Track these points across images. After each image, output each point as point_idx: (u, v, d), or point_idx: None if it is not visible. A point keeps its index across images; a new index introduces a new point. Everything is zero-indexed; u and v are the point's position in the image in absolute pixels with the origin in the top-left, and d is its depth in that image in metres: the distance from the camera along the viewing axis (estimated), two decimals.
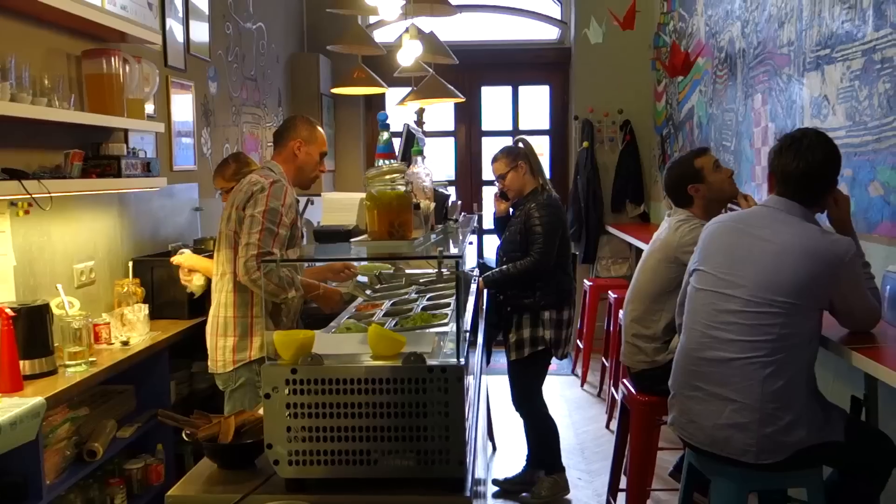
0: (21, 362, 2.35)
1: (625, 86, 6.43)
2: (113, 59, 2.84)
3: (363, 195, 2.09)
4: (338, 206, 2.07)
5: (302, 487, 1.58)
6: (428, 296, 2.43)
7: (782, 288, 2.12)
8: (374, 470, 1.56)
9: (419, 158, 2.06)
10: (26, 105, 2.38)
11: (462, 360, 1.56)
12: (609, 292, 4.96)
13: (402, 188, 1.77)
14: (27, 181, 2.32)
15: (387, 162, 1.84)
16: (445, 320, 2.00)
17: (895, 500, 2.38)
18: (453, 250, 1.95)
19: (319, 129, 2.87)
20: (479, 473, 2.56)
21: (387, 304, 2.38)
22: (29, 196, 2.35)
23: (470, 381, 1.88)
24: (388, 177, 1.77)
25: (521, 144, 3.71)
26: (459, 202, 2.56)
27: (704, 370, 2.24)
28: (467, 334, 1.75)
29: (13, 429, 2.04)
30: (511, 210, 3.75)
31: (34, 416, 2.14)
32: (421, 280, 2.80)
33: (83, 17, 2.68)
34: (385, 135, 1.94)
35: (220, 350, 2.79)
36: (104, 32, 2.93)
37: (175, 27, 3.89)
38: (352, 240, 1.83)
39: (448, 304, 2.24)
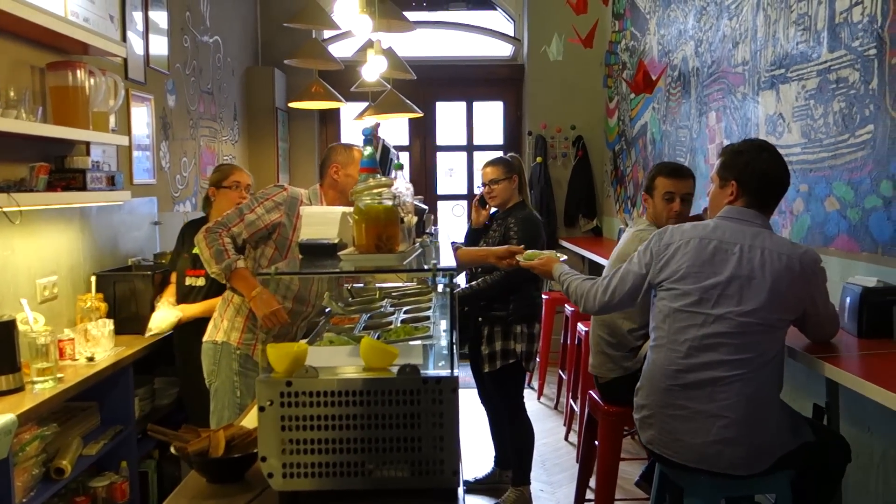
0: None
1: (577, 102, 6.57)
2: (78, 71, 2.79)
3: (344, 209, 2.10)
4: (318, 219, 2.08)
5: (296, 501, 1.58)
6: (405, 308, 2.45)
7: (764, 305, 2.16)
8: (368, 481, 1.57)
9: (399, 173, 2.09)
10: None
11: (456, 372, 1.59)
12: (566, 305, 5.04)
13: (390, 202, 1.80)
14: None
15: (374, 177, 1.86)
16: (428, 332, 2.03)
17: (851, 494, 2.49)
18: (439, 262, 1.98)
19: (355, 150, 2.96)
20: None
21: (364, 318, 2.39)
22: None
23: None
24: (375, 191, 1.80)
25: (515, 161, 3.78)
26: (433, 215, 2.58)
27: (688, 391, 2.21)
28: (455, 346, 1.77)
29: None
30: (487, 222, 3.81)
31: (6, 433, 2.08)
32: (393, 293, 2.82)
33: (47, 28, 2.63)
34: (368, 149, 1.96)
35: (215, 321, 2.94)
36: (67, 44, 2.89)
37: (135, 40, 3.83)
38: (340, 253, 1.83)
39: (427, 318, 2.27)
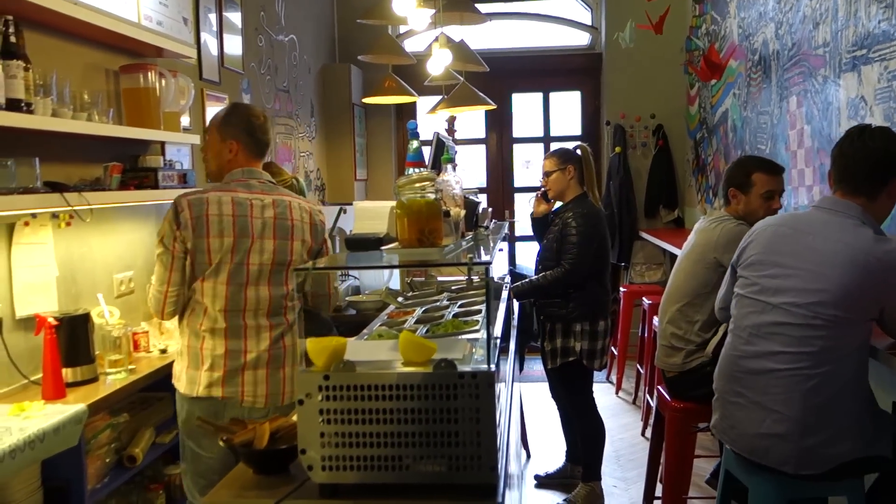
0: (63, 370, 2.42)
1: (657, 90, 6.39)
2: (149, 73, 2.90)
3: (394, 203, 2.11)
4: (369, 214, 2.10)
5: (335, 493, 1.59)
6: (459, 303, 2.44)
7: (828, 300, 2.05)
8: (406, 476, 1.57)
9: (449, 166, 2.08)
10: (67, 120, 2.45)
11: (493, 367, 1.57)
12: (643, 298, 4.93)
13: (432, 196, 1.79)
14: (68, 193, 2.38)
15: (417, 170, 1.85)
16: (476, 327, 2.01)
17: None
18: (485, 257, 1.96)
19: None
20: (513, 481, 2.56)
21: (418, 312, 2.39)
22: (70, 208, 2.42)
23: (501, 387, 1.89)
24: (417, 185, 1.79)
25: (578, 151, 3.68)
26: (490, 209, 2.56)
27: (747, 378, 2.19)
28: (497, 341, 1.75)
29: (56, 434, 2.10)
30: (550, 216, 3.74)
31: (76, 422, 2.19)
32: (452, 287, 2.82)
33: (121, 34, 2.75)
34: (415, 143, 1.96)
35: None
36: (141, 48, 3.00)
37: (209, 41, 3.96)
38: (382, 247, 1.84)
39: (479, 311, 2.25)
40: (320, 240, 2.59)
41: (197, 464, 2.45)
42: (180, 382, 2.44)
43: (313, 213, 2.59)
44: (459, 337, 1.91)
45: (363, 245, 1.88)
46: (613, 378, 5.77)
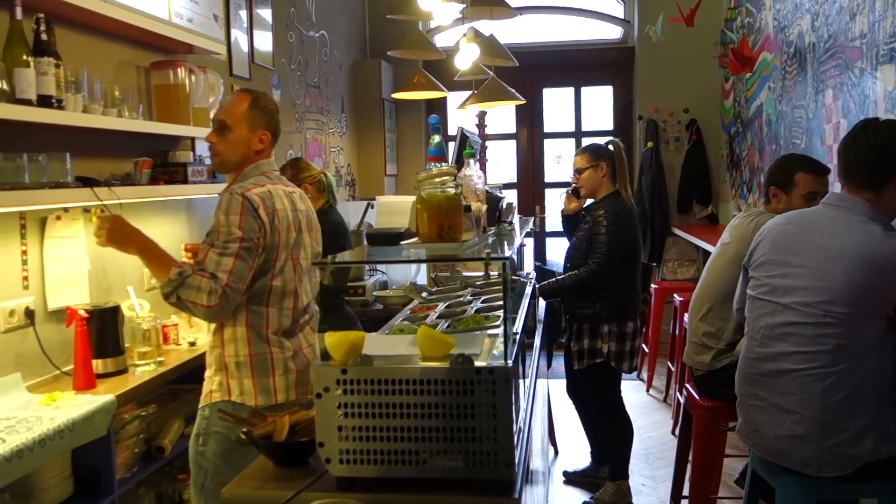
0: (94, 361, 2.47)
1: (691, 84, 6.31)
2: (179, 70, 2.94)
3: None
4: (392, 209, 2.10)
5: (352, 486, 1.60)
6: (482, 298, 2.44)
7: (837, 298, 2.02)
8: (422, 470, 1.57)
9: (471, 161, 2.07)
10: (97, 115, 2.50)
11: (510, 362, 1.57)
12: (675, 295, 4.88)
13: (452, 191, 1.79)
14: (98, 188, 2.43)
15: (437, 165, 1.85)
16: (497, 322, 2.00)
17: None
18: (507, 252, 1.95)
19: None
20: (537, 477, 2.55)
21: (441, 307, 2.39)
22: (101, 202, 2.46)
23: (521, 383, 1.88)
24: (437, 179, 1.79)
25: (610, 147, 3.62)
26: (514, 204, 2.54)
27: (764, 380, 2.17)
28: (517, 336, 1.74)
29: (86, 424, 2.14)
30: (581, 213, 3.69)
31: (105, 412, 2.23)
32: (477, 283, 2.81)
33: (152, 31, 2.79)
34: (436, 138, 1.96)
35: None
36: (172, 45, 3.05)
37: (240, 37, 4.00)
38: (402, 242, 1.84)
39: (501, 307, 2.24)
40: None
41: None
42: (245, 395, 2.23)
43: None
44: (480, 332, 1.90)
45: (384, 240, 1.89)
46: (644, 376, 5.72)
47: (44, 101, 2.20)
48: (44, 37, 2.21)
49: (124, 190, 2.59)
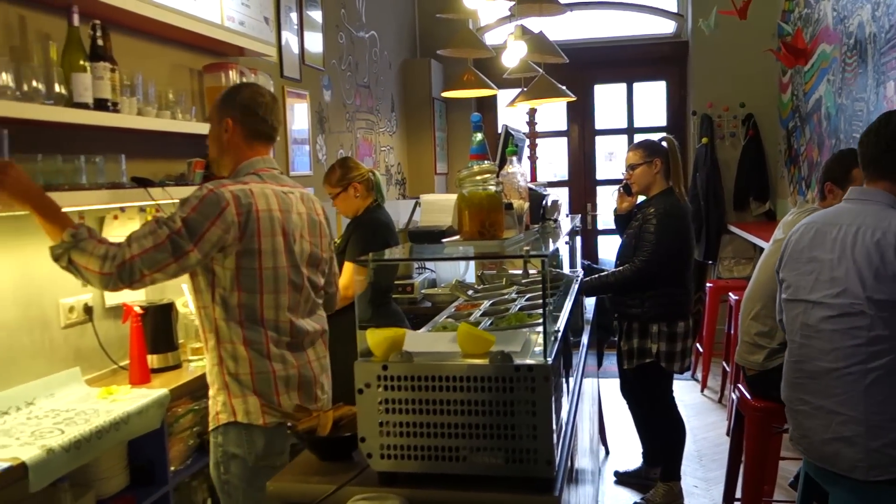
0: (149, 356, 2.55)
1: (747, 78, 6.17)
2: (230, 72, 3.01)
3: None
4: (436, 207, 2.11)
5: (394, 481, 1.62)
6: (527, 296, 2.43)
7: (859, 284, 1.97)
8: (463, 466, 1.58)
9: (514, 158, 2.07)
10: (151, 118, 2.57)
11: (550, 360, 1.56)
12: (730, 294, 4.78)
13: (493, 188, 1.79)
14: (152, 189, 2.50)
15: (480, 163, 1.85)
16: (540, 320, 2.00)
17: None
18: (548, 250, 1.94)
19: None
20: (584, 476, 2.54)
21: (485, 304, 2.40)
22: (155, 202, 2.53)
23: (564, 381, 1.87)
24: (479, 177, 1.79)
25: (664, 143, 3.57)
26: (559, 201, 2.53)
27: (807, 383, 2.12)
28: (558, 334, 1.74)
29: (140, 417, 2.21)
30: (634, 210, 3.65)
31: (159, 405, 2.30)
32: (522, 280, 2.80)
33: (204, 35, 2.86)
34: (478, 136, 1.96)
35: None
36: (224, 48, 3.11)
37: (290, 39, 4.06)
38: (444, 240, 1.85)
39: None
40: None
41: None
42: (252, 415, 2.09)
43: (324, 207, 2.43)
44: (522, 329, 1.90)
45: (425, 238, 1.90)
46: (699, 376, 5.62)
47: (100, 105, 2.28)
48: (100, 42, 2.28)
49: (178, 190, 2.66)
